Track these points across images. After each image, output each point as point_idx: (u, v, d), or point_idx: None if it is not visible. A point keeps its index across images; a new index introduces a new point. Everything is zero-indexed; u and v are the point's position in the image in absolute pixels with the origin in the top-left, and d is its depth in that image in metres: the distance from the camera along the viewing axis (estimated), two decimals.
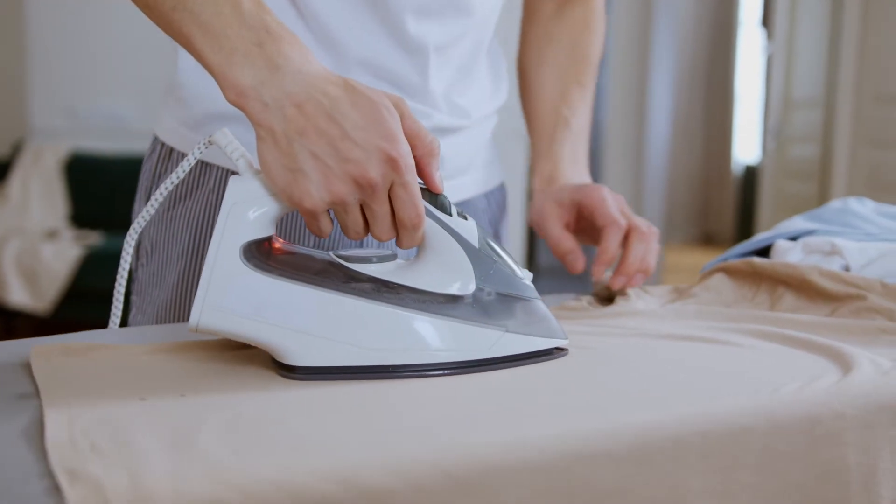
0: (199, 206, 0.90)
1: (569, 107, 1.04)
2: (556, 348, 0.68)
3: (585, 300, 0.89)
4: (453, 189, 0.96)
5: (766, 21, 6.61)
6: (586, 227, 0.96)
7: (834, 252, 0.89)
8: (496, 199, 1.07)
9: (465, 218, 0.66)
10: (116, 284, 0.66)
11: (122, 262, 0.65)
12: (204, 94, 0.88)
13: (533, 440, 0.49)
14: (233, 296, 0.61)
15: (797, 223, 0.98)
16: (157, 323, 0.91)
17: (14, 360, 0.64)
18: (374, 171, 0.60)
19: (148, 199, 0.92)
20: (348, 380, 0.61)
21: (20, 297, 3.65)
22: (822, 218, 0.99)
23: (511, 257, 0.68)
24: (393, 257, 0.66)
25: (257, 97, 0.62)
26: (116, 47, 4.30)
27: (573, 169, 1.01)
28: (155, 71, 3.77)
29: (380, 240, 0.64)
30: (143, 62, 4.18)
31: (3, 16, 4.41)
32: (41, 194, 4.12)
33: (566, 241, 0.95)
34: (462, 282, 0.65)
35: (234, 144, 0.64)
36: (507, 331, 0.65)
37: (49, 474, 0.43)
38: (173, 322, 0.90)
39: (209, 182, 0.90)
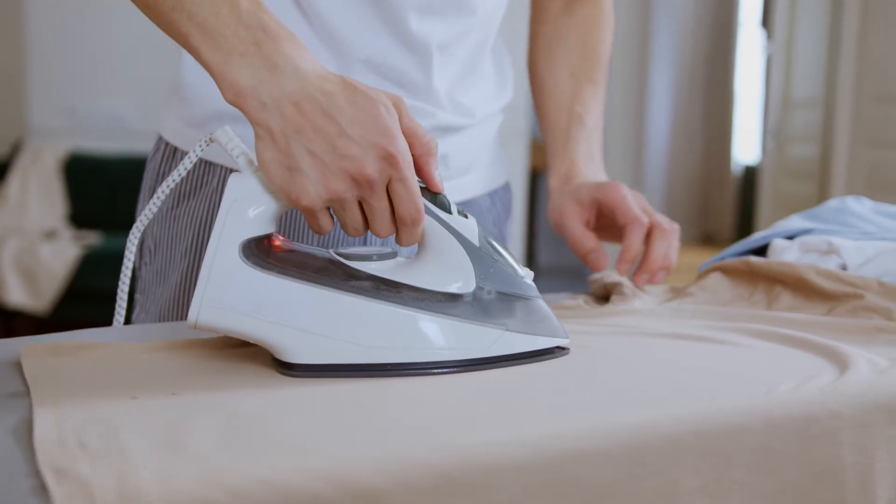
0: (202, 205, 0.90)
1: (582, 104, 1.04)
2: (558, 347, 0.67)
3: (582, 299, 0.89)
4: (457, 188, 0.96)
5: (766, 21, 6.61)
6: (606, 224, 0.96)
7: (831, 251, 0.89)
8: (501, 199, 1.06)
9: (466, 216, 0.66)
10: (120, 282, 0.66)
11: (125, 260, 0.65)
12: (207, 93, 0.87)
13: (529, 439, 0.49)
14: (232, 292, 0.60)
15: (794, 222, 0.98)
16: (160, 321, 0.91)
17: (6, 358, 0.63)
18: (371, 168, 0.60)
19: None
20: (347, 378, 0.61)
21: (19, 297, 3.65)
22: (819, 217, 0.98)
23: (512, 256, 0.68)
24: (393, 255, 0.66)
25: (255, 96, 0.62)
26: (116, 47, 4.30)
27: (589, 166, 1.01)
28: (154, 71, 3.77)
29: (379, 236, 0.64)
30: (143, 62, 4.18)
31: (3, 16, 4.40)
32: (40, 194, 4.12)
33: (588, 240, 0.95)
34: (462, 280, 0.65)
35: (235, 142, 0.64)
36: (507, 329, 0.65)
37: (36, 473, 0.43)
38: (177, 321, 0.90)
39: (213, 181, 0.90)
